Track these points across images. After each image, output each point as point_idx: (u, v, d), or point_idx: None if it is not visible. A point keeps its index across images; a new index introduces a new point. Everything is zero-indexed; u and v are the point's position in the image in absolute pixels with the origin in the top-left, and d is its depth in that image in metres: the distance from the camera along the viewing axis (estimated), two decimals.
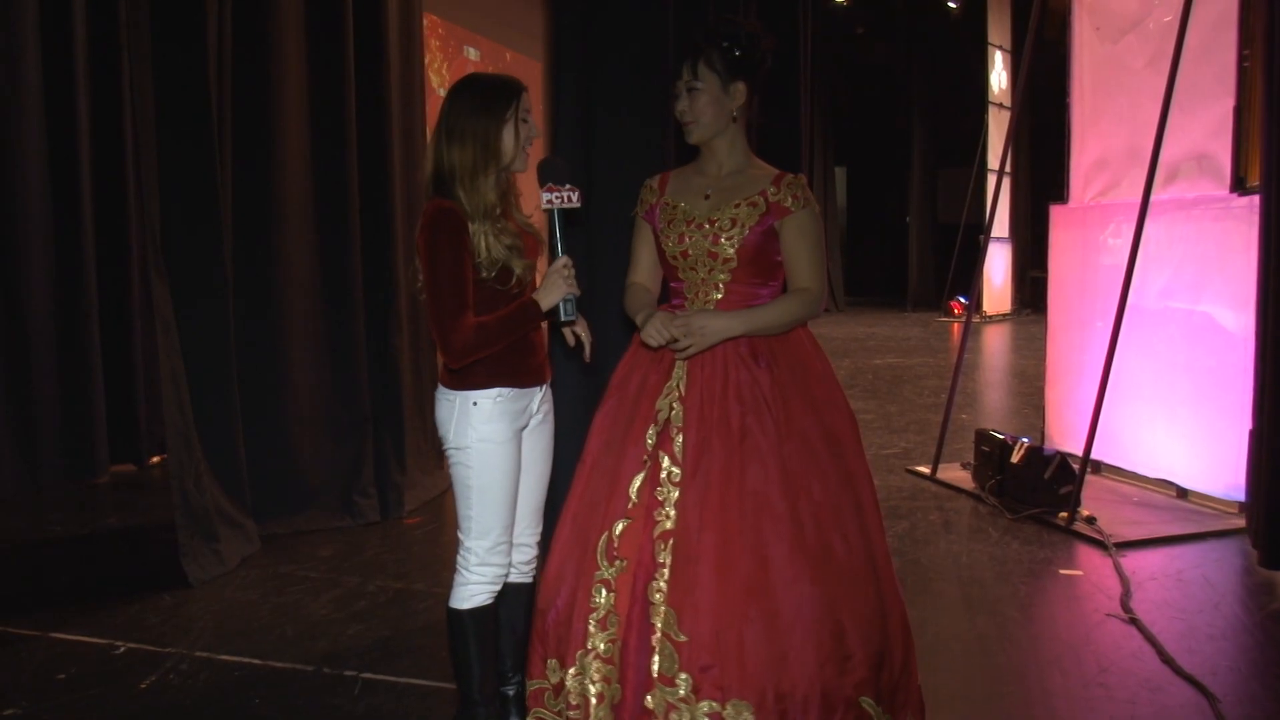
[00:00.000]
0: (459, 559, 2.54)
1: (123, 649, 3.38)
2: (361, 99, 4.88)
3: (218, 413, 4.27)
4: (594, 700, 2.39)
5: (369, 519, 4.81)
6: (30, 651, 3.37)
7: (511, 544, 2.59)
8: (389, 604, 3.77)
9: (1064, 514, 4.68)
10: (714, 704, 2.24)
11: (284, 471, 4.66)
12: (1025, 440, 5.06)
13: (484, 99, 2.45)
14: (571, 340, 2.62)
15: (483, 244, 2.40)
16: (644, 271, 2.63)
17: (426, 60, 6.34)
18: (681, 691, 2.26)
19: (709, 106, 2.46)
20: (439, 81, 8.22)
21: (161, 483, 5.31)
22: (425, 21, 5.98)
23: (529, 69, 12.79)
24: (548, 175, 2.43)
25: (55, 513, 5.10)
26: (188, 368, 4.10)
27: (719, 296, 2.48)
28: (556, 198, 2.40)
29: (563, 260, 2.43)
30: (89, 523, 4.95)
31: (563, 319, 2.45)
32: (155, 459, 5.98)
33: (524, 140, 2.49)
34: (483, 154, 2.42)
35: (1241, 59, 4.64)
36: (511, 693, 2.69)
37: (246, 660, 3.28)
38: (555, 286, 2.43)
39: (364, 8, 4.89)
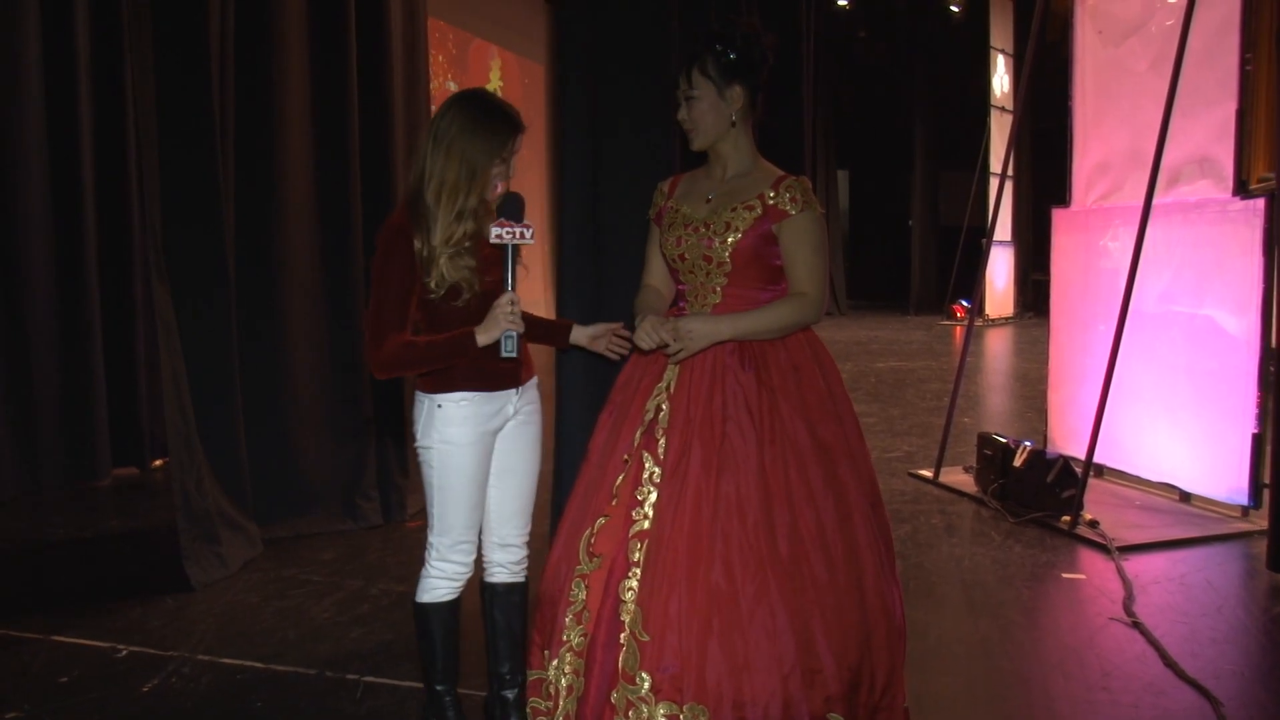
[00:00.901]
0: (425, 553, 2.62)
1: (125, 652, 3.38)
2: (365, 100, 4.88)
3: (219, 415, 4.27)
4: (563, 692, 2.43)
5: (371, 522, 4.81)
6: (32, 654, 3.37)
7: (474, 543, 2.63)
8: (391, 607, 3.77)
9: (1067, 518, 4.68)
10: (672, 705, 2.25)
11: (286, 474, 4.65)
12: (1028, 444, 5.05)
13: (483, 125, 2.44)
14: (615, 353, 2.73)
15: (436, 268, 2.40)
16: (656, 274, 2.64)
17: (430, 64, 6.33)
18: (642, 690, 2.27)
19: (708, 113, 2.45)
20: (436, 86, 8.22)
21: (164, 486, 5.31)
22: (431, 26, 5.98)
23: (530, 72, 12.82)
24: (503, 210, 2.43)
25: (57, 515, 5.10)
26: (189, 370, 4.10)
27: (717, 300, 2.49)
28: (508, 233, 2.39)
29: (508, 297, 2.42)
30: (91, 525, 4.94)
31: (503, 354, 2.43)
32: (158, 462, 5.98)
33: (503, 178, 2.50)
34: (466, 178, 2.42)
35: (1244, 62, 4.64)
36: (512, 696, 2.69)
37: (249, 663, 3.28)
38: (495, 323, 2.42)
39: (367, 10, 4.90)
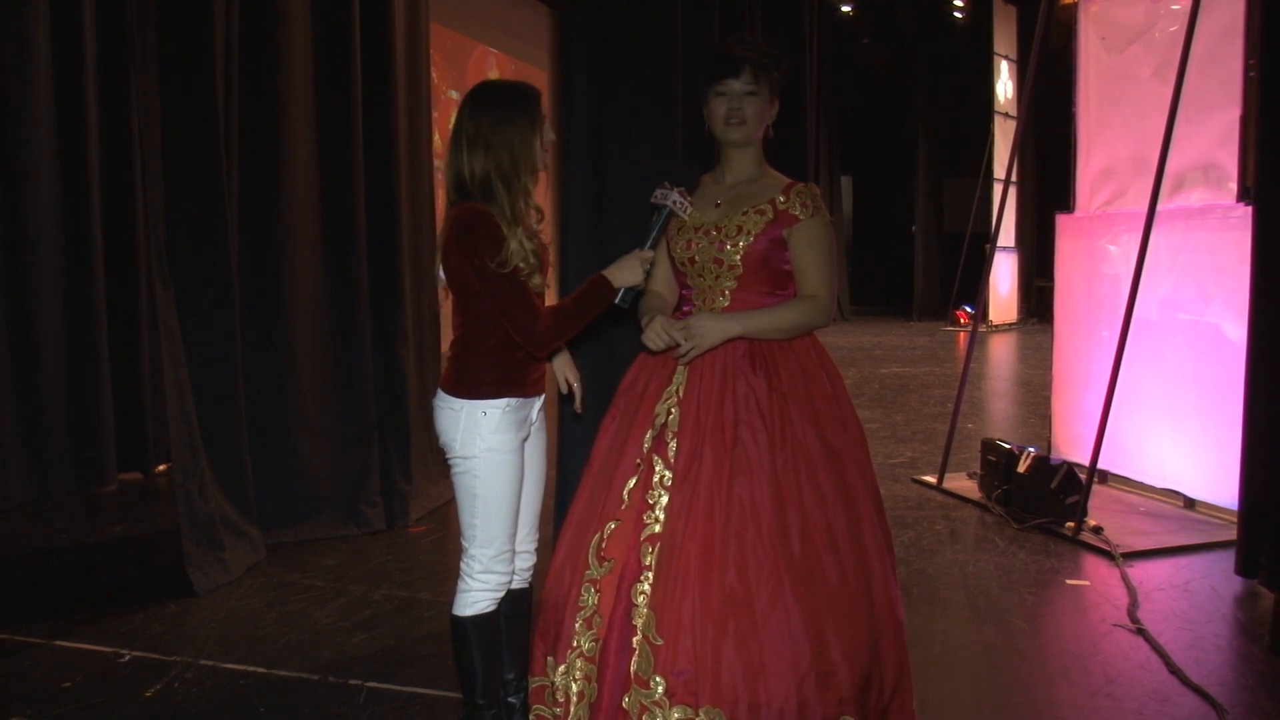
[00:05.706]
0: (463, 566, 2.56)
1: (128, 657, 3.38)
2: (368, 107, 4.89)
3: (223, 422, 4.27)
4: (574, 698, 2.42)
5: (375, 528, 4.81)
6: (36, 659, 3.37)
7: (515, 551, 2.60)
8: (394, 613, 3.77)
9: (1070, 524, 4.67)
10: (687, 709, 2.25)
11: (290, 480, 4.65)
12: (1032, 450, 5.04)
13: (509, 110, 2.46)
14: (564, 387, 2.75)
15: (516, 247, 2.40)
16: (659, 279, 2.65)
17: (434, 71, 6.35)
18: (656, 694, 2.27)
19: (759, 114, 2.49)
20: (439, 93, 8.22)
21: (168, 491, 5.32)
22: (432, 30, 5.99)
23: (533, 77, 12.83)
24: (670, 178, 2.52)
25: (62, 521, 5.11)
26: (193, 377, 4.10)
27: (725, 303, 2.50)
28: (674, 202, 2.47)
29: (647, 253, 2.47)
30: (95, 531, 4.95)
31: (618, 302, 2.47)
32: (162, 467, 5.98)
33: (546, 144, 2.53)
34: (511, 163, 2.44)
35: (1248, 68, 4.64)
36: (517, 702, 2.69)
37: (251, 669, 3.28)
38: (632, 269, 2.46)
39: (370, 18, 4.91)
